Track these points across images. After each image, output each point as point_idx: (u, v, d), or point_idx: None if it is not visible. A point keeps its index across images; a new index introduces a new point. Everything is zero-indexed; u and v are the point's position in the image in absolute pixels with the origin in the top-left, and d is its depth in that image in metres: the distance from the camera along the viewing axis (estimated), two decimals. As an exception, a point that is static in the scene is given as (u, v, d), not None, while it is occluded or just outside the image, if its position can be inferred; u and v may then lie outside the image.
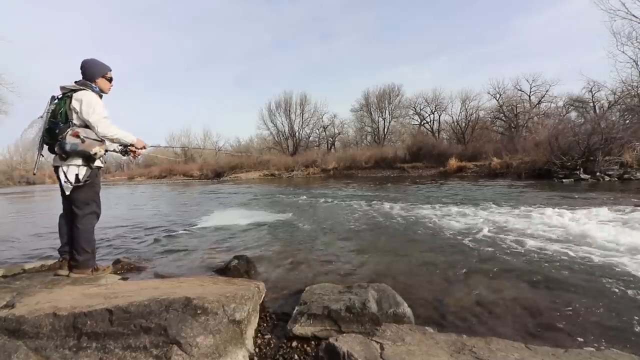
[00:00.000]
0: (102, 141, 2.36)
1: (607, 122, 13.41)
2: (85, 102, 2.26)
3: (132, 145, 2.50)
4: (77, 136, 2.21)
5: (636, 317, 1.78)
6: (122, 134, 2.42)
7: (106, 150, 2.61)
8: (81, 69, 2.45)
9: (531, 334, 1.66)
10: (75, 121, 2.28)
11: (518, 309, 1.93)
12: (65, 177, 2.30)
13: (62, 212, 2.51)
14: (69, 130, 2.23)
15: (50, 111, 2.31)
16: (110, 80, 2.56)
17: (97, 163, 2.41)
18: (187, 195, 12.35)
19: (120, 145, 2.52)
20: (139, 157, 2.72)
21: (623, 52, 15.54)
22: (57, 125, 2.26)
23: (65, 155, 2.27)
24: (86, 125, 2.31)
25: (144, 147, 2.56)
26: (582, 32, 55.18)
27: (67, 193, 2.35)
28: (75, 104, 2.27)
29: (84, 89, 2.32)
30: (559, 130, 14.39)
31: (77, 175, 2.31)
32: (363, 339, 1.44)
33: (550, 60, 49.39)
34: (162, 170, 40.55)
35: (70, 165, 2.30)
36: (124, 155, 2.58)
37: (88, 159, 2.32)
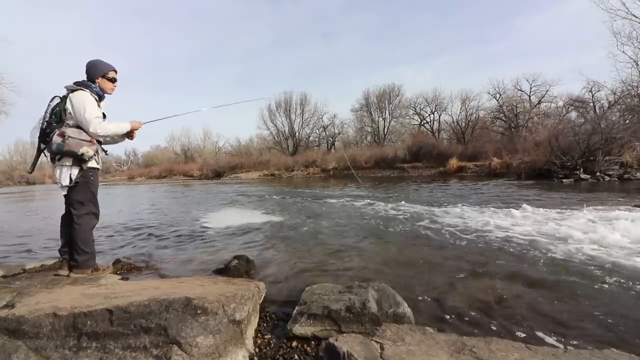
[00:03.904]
0: (91, 141, 2.32)
1: (607, 122, 13.41)
2: (77, 102, 2.25)
3: (131, 131, 2.50)
4: (62, 136, 2.20)
5: (636, 317, 1.78)
6: (114, 128, 2.39)
7: (104, 151, 2.61)
8: (85, 70, 2.44)
9: (531, 334, 1.65)
10: (68, 121, 2.28)
11: (518, 309, 1.92)
12: (59, 178, 2.31)
13: (64, 212, 2.51)
14: (56, 129, 2.22)
15: (49, 111, 2.31)
16: (112, 80, 2.49)
17: (92, 164, 2.39)
18: (187, 195, 12.35)
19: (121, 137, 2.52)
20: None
21: (623, 52, 15.59)
22: (50, 125, 2.26)
23: (53, 155, 2.27)
24: (79, 126, 2.31)
25: (142, 125, 2.57)
26: (582, 32, 55.19)
27: (63, 193, 2.36)
28: (68, 104, 2.26)
29: (80, 89, 2.30)
30: (559, 130, 14.39)
31: (70, 175, 2.31)
32: (363, 339, 1.44)
33: (550, 60, 49.51)
34: (162, 170, 40.61)
35: (63, 166, 2.30)
36: (129, 139, 2.58)
37: (78, 159, 2.30)
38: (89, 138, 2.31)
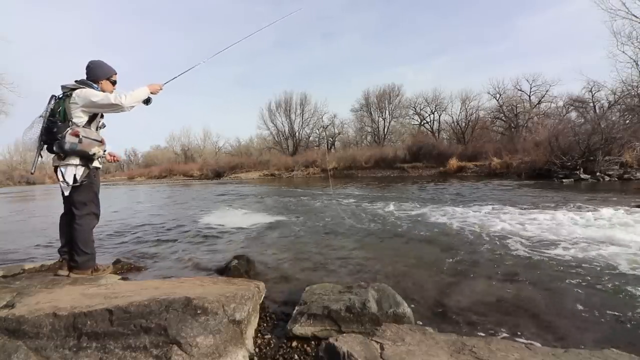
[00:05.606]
0: (101, 141, 2.36)
1: (607, 122, 13.41)
2: (85, 93, 2.25)
3: (151, 94, 2.46)
4: (77, 135, 2.20)
5: (636, 317, 1.78)
6: (136, 96, 2.35)
7: (105, 151, 2.60)
8: (86, 69, 2.44)
9: (531, 334, 1.65)
10: (74, 119, 2.26)
11: (518, 309, 1.93)
12: (63, 177, 2.29)
13: (63, 212, 2.51)
14: (68, 129, 2.21)
15: (50, 110, 2.30)
16: (114, 83, 2.52)
17: (95, 164, 2.40)
18: (187, 196, 12.35)
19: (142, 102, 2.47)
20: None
21: (623, 52, 15.57)
22: (55, 124, 2.24)
23: (63, 154, 2.26)
24: (88, 122, 2.31)
25: (161, 88, 2.55)
26: (582, 32, 55.11)
27: (66, 194, 2.35)
28: (76, 99, 2.25)
29: (84, 87, 2.30)
30: (559, 130, 14.40)
31: (74, 175, 2.30)
32: (363, 339, 1.44)
33: (550, 60, 49.47)
34: (162, 170, 40.59)
35: (68, 165, 2.29)
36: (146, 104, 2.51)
37: (86, 159, 2.31)
38: (100, 138, 2.35)
